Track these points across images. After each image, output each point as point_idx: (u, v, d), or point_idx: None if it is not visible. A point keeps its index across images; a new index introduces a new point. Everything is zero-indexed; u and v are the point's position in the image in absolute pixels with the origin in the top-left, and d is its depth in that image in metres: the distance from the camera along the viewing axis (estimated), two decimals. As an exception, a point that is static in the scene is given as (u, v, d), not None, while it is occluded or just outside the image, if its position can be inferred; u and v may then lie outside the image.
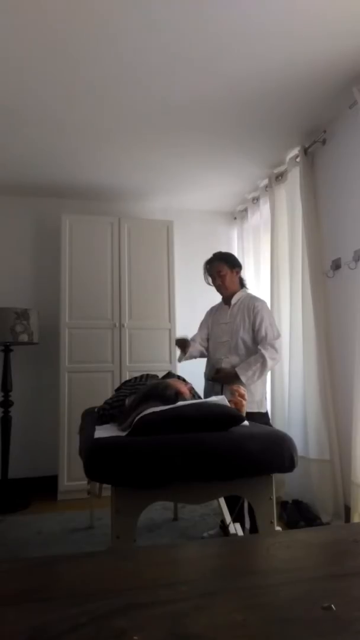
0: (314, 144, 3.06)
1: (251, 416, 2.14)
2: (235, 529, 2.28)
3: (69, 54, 2.23)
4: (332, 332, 2.94)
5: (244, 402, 1.91)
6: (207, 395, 2.59)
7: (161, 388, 1.88)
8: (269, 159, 3.44)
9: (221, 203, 4.33)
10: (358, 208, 2.63)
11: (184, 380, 2.29)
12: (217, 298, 2.81)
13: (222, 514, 2.48)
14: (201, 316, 2.88)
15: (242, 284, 2.75)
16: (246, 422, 1.79)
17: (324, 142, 3.00)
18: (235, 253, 4.13)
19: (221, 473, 1.49)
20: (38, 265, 3.98)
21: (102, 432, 1.74)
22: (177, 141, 3.13)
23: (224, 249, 3.09)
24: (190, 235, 4.25)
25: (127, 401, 2.01)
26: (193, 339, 2.75)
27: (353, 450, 2.54)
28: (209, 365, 2.71)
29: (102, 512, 2.74)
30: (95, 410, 2.23)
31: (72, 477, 3.41)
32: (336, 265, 2.86)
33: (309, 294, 2.99)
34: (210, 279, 2.72)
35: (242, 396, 1.91)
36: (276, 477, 1.63)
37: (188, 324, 2.82)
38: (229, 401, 1.87)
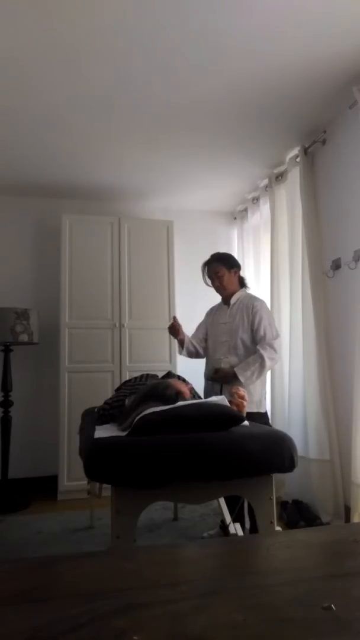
0: (314, 144, 3.06)
1: (250, 416, 2.13)
2: (235, 529, 2.27)
3: (69, 54, 2.23)
4: (332, 332, 2.94)
5: (244, 403, 1.91)
6: (207, 395, 2.59)
7: (161, 388, 1.88)
8: (269, 159, 3.44)
9: (221, 203, 4.32)
10: (358, 208, 2.63)
11: (184, 380, 2.30)
12: (217, 298, 2.81)
13: (222, 514, 2.47)
14: (201, 316, 2.88)
15: (242, 284, 2.74)
16: (246, 422, 1.79)
17: (324, 142, 3.00)
18: (235, 253, 4.14)
19: (221, 473, 1.49)
20: (38, 265, 3.98)
21: (102, 432, 1.74)
22: (178, 141, 3.13)
23: (224, 249, 3.08)
24: (190, 235, 4.25)
25: (127, 401, 2.01)
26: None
27: (353, 450, 2.54)
28: (208, 365, 2.71)
29: (102, 512, 2.74)
30: (95, 410, 2.23)
31: (72, 477, 3.41)
32: (336, 265, 2.86)
33: (309, 294, 2.99)
34: (209, 281, 2.73)
35: (242, 397, 1.91)
36: (276, 477, 1.63)
37: (188, 324, 2.81)
38: (230, 402, 1.87)
